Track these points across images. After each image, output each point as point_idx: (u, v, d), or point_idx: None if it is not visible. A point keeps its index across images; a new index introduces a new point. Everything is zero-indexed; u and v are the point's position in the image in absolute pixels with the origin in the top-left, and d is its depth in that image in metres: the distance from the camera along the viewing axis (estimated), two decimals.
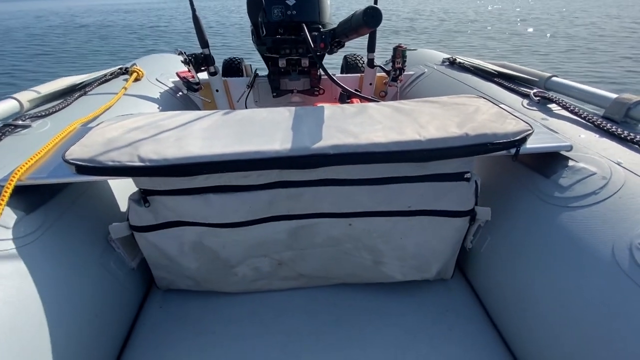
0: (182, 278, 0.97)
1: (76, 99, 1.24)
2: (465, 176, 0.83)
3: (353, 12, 0.97)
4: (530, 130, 0.78)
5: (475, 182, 0.84)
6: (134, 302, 0.96)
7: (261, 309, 0.98)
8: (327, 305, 0.98)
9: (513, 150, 0.78)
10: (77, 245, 0.79)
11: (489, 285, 0.93)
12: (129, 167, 0.71)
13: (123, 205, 0.99)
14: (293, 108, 0.96)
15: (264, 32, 1.49)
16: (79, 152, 0.74)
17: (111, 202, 0.98)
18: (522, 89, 1.22)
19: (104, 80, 1.47)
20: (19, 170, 0.73)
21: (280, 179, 0.81)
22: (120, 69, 1.62)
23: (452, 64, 1.73)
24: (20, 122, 0.99)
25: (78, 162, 0.71)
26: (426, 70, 1.80)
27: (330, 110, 0.93)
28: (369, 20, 0.86)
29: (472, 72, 1.53)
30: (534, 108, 1.08)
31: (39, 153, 0.81)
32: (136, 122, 0.88)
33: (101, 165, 0.71)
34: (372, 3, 1.23)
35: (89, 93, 1.33)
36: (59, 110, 1.13)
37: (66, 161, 0.72)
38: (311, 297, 1.00)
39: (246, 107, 1.85)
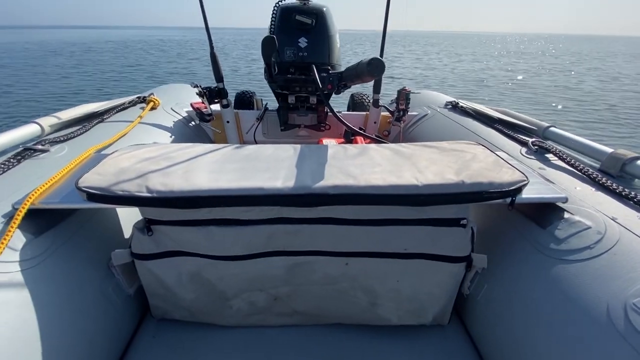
0: (178, 308, 0.97)
1: (94, 125, 1.31)
2: (461, 222, 0.84)
3: (360, 60, 1.04)
4: (525, 181, 0.80)
5: (472, 228, 0.85)
6: (128, 330, 0.96)
7: (254, 344, 0.96)
8: (321, 345, 0.96)
9: (509, 200, 0.79)
10: (79, 270, 0.81)
11: (485, 334, 0.91)
12: (137, 197, 0.74)
13: (127, 232, 1.02)
14: (298, 146, 1.00)
15: (276, 71, 1.58)
16: (91, 180, 0.77)
17: (116, 229, 1.01)
18: (521, 136, 1.25)
19: (122, 108, 1.55)
20: (32, 195, 0.77)
21: (281, 215, 0.83)
22: (139, 97, 1.71)
23: (454, 107, 1.80)
24: (39, 147, 1.04)
25: (89, 190, 0.75)
26: (429, 112, 1.87)
27: (333, 149, 0.97)
28: (372, 70, 0.93)
29: (473, 117, 1.59)
30: (532, 157, 1.11)
31: (53, 178, 0.85)
32: (148, 152, 0.92)
33: (111, 194, 0.74)
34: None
35: (107, 120, 1.40)
36: (77, 136, 1.19)
37: (79, 188, 0.75)
38: (305, 336, 0.99)
39: (255, 139, 1.92)
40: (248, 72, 11.92)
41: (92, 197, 0.75)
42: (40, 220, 0.78)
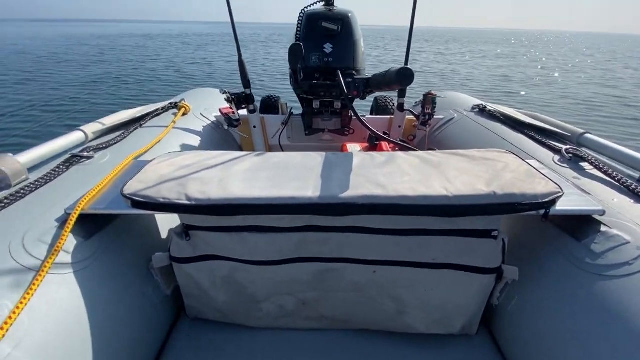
0: (211, 309, 1.02)
1: (132, 131, 1.39)
2: (492, 234, 0.83)
3: (388, 68, 1.04)
4: (560, 193, 0.78)
5: (503, 240, 0.84)
6: (164, 328, 1.01)
7: (282, 346, 0.99)
8: (347, 350, 0.98)
9: (542, 212, 0.78)
10: (122, 271, 0.87)
11: (514, 345, 0.90)
12: (177, 204, 0.78)
13: (165, 235, 1.07)
14: (324, 154, 1.02)
15: (302, 77, 1.59)
16: (134, 187, 0.83)
17: (155, 233, 1.07)
18: (554, 143, 1.21)
19: (156, 114, 1.63)
20: (83, 201, 0.83)
21: (310, 223, 0.85)
22: (171, 104, 1.79)
23: (481, 111, 1.75)
24: (85, 154, 1.12)
25: (134, 197, 0.80)
26: (456, 115, 1.84)
27: (360, 158, 0.98)
28: (402, 79, 0.93)
29: (502, 122, 1.55)
30: (566, 165, 1.08)
31: (99, 185, 0.91)
32: (185, 160, 0.97)
33: (153, 201, 0.79)
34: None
35: (144, 126, 1.48)
36: (117, 142, 1.27)
37: (124, 196, 0.81)
38: (332, 340, 1.01)
39: (279, 143, 1.95)
40: (262, 65, 12.78)
41: (136, 204, 0.80)
42: (89, 225, 0.84)
